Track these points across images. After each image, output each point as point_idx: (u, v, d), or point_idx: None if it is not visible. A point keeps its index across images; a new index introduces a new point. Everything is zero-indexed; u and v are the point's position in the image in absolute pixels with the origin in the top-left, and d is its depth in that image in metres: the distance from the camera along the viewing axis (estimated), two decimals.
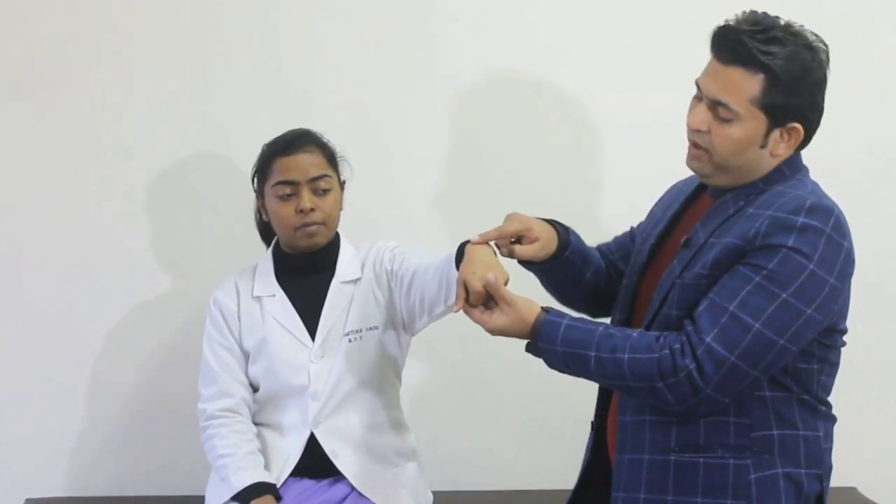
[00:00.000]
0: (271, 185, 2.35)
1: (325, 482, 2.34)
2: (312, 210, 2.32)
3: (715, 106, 1.90)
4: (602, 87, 2.90)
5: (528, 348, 1.99)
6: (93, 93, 2.85)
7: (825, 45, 1.91)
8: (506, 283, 1.98)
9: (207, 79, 2.87)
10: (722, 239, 1.88)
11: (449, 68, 2.89)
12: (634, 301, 2.10)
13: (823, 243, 1.80)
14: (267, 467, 2.32)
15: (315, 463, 2.33)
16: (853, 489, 2.88)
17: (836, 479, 2.67)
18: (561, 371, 1.96)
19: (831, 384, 1.99)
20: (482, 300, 1.96)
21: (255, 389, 2.41)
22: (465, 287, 1.97)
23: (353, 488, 2.33)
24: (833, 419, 2.00)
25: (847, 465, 2.70)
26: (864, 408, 2.97)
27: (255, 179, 2.42)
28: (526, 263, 2.21)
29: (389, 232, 2.66)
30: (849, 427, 2.71)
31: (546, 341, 1.92)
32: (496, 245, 2.10)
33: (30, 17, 2.83)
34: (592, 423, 2.21)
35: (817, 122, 1.94)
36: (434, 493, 2.50)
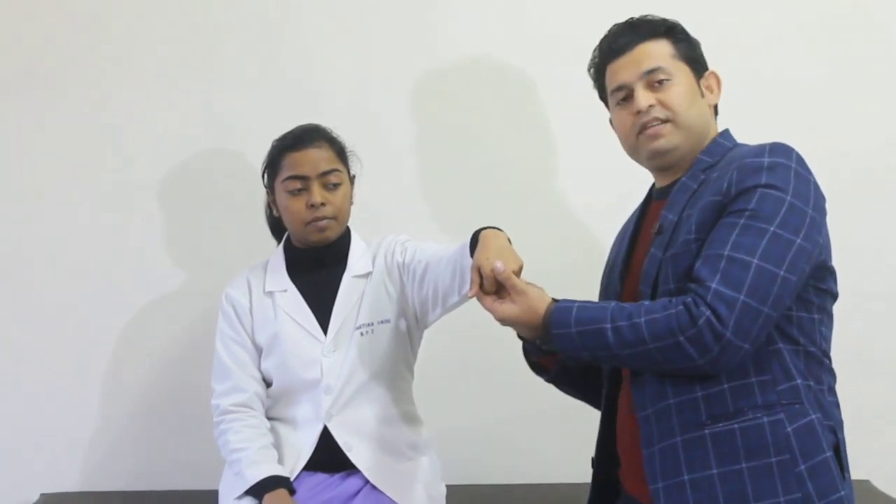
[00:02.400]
0: (281, 180, 2.36)
1: (338, 476, 2.35)
2: (323, 204, 2.33)
3: (650, 79, 2.05)
4: None
5: (542, 341, 1.99)
6: (104, 91, 2.87)
7: None
8: (520, 271, 1.98)
9: (217, 77, 2.89)
10: (697, 204, 1.94)
11: (453, 63, 2.91)
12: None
13: (793, 177, 1.88)
14: (280, 461, 2.33)
15: (328, 456, 2.34)
16: (867, 482, 2.87)
17: (851, 472, 2.68)
18: (577, 356, 1.94)
19: (830, 337, 2.01)
20: (496, 287, 1.96)
21: (267, 384, 2.42)
22: (480, 273, 1.96)
23: (366, 482, 2.33)
24: (834, 376, 2.01)
25: (861, 458, 2.69)
26: (878, 402, 2.95)
27: (266, 175, 2.43)
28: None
29: (397, 226, 2.66)
30: (863, 420, 2.72)
31: (560, 326, 1.92)
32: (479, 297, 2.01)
33: (37, 16, 2.84)
34: (593, 459, 2.20)
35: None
36: (447, 486, 2.50)
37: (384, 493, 2.32)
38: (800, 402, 1.88)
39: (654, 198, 2.16)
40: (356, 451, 2.34)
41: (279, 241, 2.52)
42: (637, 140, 2.07)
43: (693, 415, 1.91)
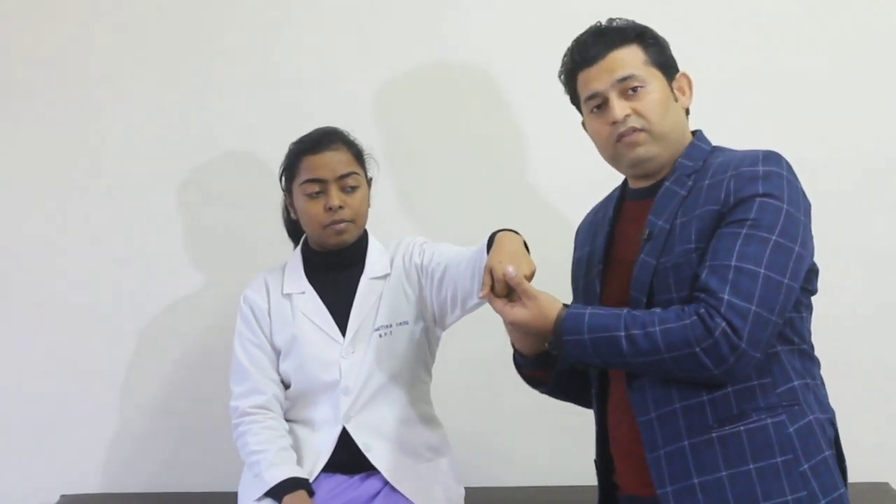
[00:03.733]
0: (299, 183, 2.36)
1: (357, 477, 2.35)
2: (341, 207, 2.33)
3: (623, 86, 2.03)
4: None
5: (551, 346, 1.98)
6: (120, 91, 2.89)
7: None
8: (532, 275, 1.98)
9: (237, 79, 2.90)
10: (694, 213, 1.94)
11: (466, 64, 2.91)
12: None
13: (786, 185, 1.90)
14: (299, 463, 2.33)
15: (347, 458, 2.34)
16: (886, 484, 2.85)
17: (868, 474, 2.67)
18: (587, 362, 1.95)
19: (810, 331, 2.03)
20: (507, 290, 1.96)
21: (286, 386, 2.42)
22: (492, 275, 1.97)
23: (385, 483, 2.33)
24: (819, 363, 2.04)
25: (879, 460, 2.70)
26: (894, 404, 2.94)
27: (283, 178, 2.43)
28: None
29: (413, 229, 2.67)
30: (880, 422, 2.71)
31: (572, 333, 1.91)
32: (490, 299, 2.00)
33: (42, 16, 2.86)
34: (595, 461, 2.20)
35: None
36: (466, 488, 2.50)
37: (403, 495, 2.32)
38: (798, 403, 1.91)
39: (627, 198, 2.15)
40: (375, 452, 2.34)
41: (297, 243, 2.52)
42: (616, 149, 2.06)
43: (700, 418, 1.91)
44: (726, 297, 1.83)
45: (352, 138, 2.43)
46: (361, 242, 2.44)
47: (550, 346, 1.99)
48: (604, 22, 2.11)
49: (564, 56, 2.13)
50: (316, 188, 2.34)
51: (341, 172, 2.35)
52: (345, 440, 2.34)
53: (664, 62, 2.07)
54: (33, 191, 2.91)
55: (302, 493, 2.25)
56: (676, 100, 2.07)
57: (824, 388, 2.02)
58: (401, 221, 2.81)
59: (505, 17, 2.91)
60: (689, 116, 2.13)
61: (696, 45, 2.82)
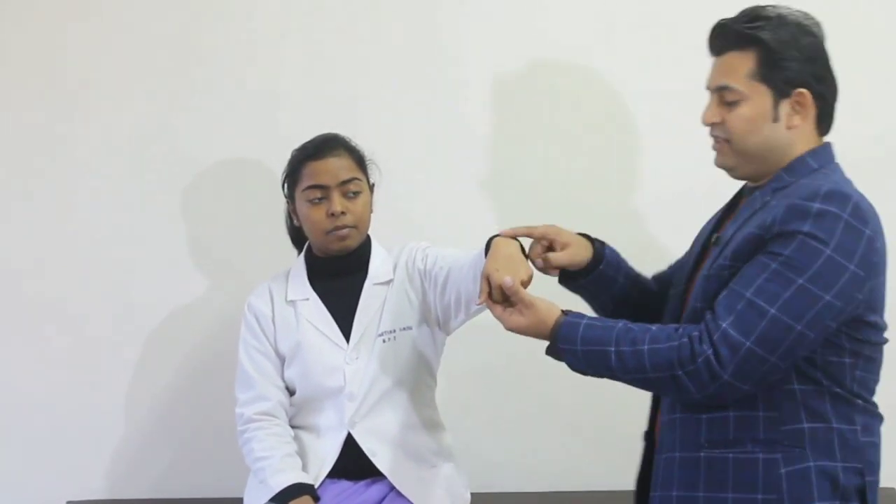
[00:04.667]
0: (302, 189, 2.37)
1: (362, 483, 2.35)
2: (343, 213, 2.33)
3: (721, 94, 1.96)
4: (638, 85, 2.91)
5: (548, 351, 1.99)
6: (124, 97, 2.89)
7: (815, 20, 1.96)
8: (529, 280, 1.99)
9: (237, 85, 2.89)
10: (743, 230, 1.89)
11: (478, 66, 2.91)
12: (682, 308, 2.09)
13: (841, 229, 1.80)
14: (304, 469, 2.33)
15: (352, 463, 2.34)
16: (891, 489, 2.84)
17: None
18: (584, 373, 1.96)
19: (872, 380, 1.95)
20: (505, 296, 1.97)
21: (291, 393, 2.42)
22: (489, 282, 1.98)
23: (390, 489, 2.33)
24: (877, 415, 1.96)
25: (886, 464, 2.67)
26: None
27: (286, 185, 2.44)
28: (566, 282, 2.21)
29: (418, 233, 2.67)
30: (888, 427, 2.69)
31: (566, 342, 1.92)
32: (531, 258, 2.11)
33: (60, 20, 2.87)
34: (645, 433, 2.19)
35: (831, 96, 1.97)
36: (472, 494, 2.49)
37: (408, 500, 2.32)
38: (801, 447, 1.86)
39: (743, 194, 2.08)
40: (380, 457, 2.34)
41: (300, 250, 2.52)
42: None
43: (694, 434, 1.92)
44: (724, 325, 1.81)
45: (353, 144, 2.43)
46: (364, 248, 2.44)
47: (548, 352, 1.99)
48: (742, 11, 1.98)
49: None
50: (318, 194, 2.34)
51: (343, 178, 2.35)
52: (350, 446, 2.34)
53: (777, 77, 1.92)
54: (37, 195, 2.91)
55: (307, 499, 2.25)
56: (777, 119, 1.93)
57: (870, 437, 1.94)
58: (402, 227, 2.80)
59: (504, 18, 2.91)
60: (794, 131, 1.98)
61: (693, 43, 2.85)
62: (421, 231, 2.74)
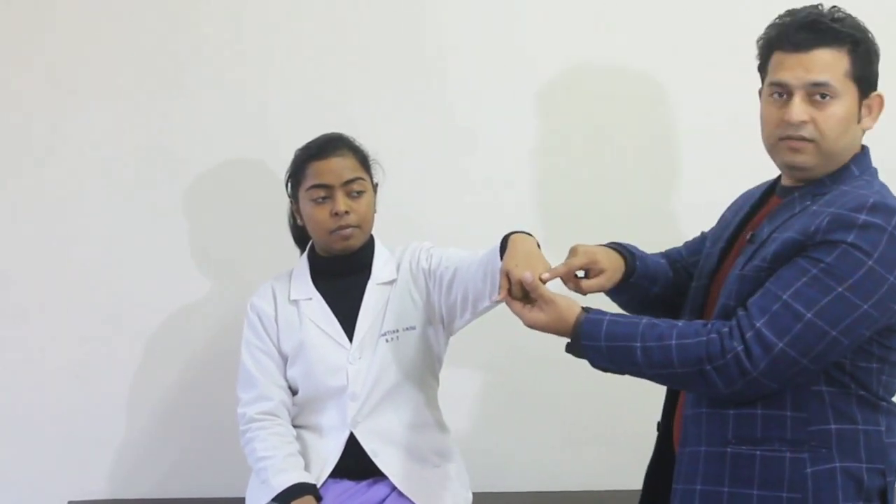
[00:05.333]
0: (305, 189, 2.36)
1: (364, 483, 2.35)
2: (347, 213, 2.33)
3: (813, 91, 1.91)
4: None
5: (569, 349, 1.98)
6: (127, 100, 2.89)
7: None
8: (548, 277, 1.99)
9: (240, 85, 2.89)
10: (784, 234, 1.88)
11: (481, 66, 2.90)
12: (705, 302, 2.09)
13: (885, 241, 1.80)
14: (307, 469, 2.33)
15: (354, 463, 2.34)
16: None
17: None
18: (606, 369, 1.95)
19: (894, 385, 1.96)
20: (524, 292, 1.96)
21: (293, 392, 2.42)
22: (508, 278, 1.97)
23: (392, 489, 2.33)
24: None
25: None
26: None
27: (289, 184, 2.44)
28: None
29: (421, 233, 2.67)
30: None
31: (590, 339, 1.92)
32: (565, 283, 2.10)
33: (61, 21, 2.86)
34: (658, 423, 2.19)
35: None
36: (474, 493, 2.49)
37: (411, 501, 2.32)
38: (827, 447, 1.87)
39: (776, 191, 2.07)
40: (383, 457, 2.34)
41: (303, 249, 2.52)
42: (777, 145, 1.98)
43: (720, 430, 1.91)
44: (759, 324, 1.82)
45: (357, 144, 2.43)
46: (368, 248, 2.43)
47: (568, 349, 1.99)
48: (826, 7, 1.97)
49: (775, 20, 1.99)
50: (322, 194, 2.34)
51: (347, 178, 2.34)
52: (352, 446, 2.34)
53: (865, 77, 1.93)
54: (40, 195, 2.91)
55: (309, 499, 2.25)
56: (859, 120, 1.94)
57: (893, 438, 1.94)
58: (405, 227, 2.79)
59: (506, 17, 2.90)
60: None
61: (705, 46, 2.85)
62: (424, 231, 2.74)
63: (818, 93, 1.91)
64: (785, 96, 1.94)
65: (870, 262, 1.79)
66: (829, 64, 1.90)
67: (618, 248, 2.19)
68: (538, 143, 2.92)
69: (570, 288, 2.11)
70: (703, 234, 2.33)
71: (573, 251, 2.13)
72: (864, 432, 1.89)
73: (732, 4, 2.83)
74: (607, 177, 2.93)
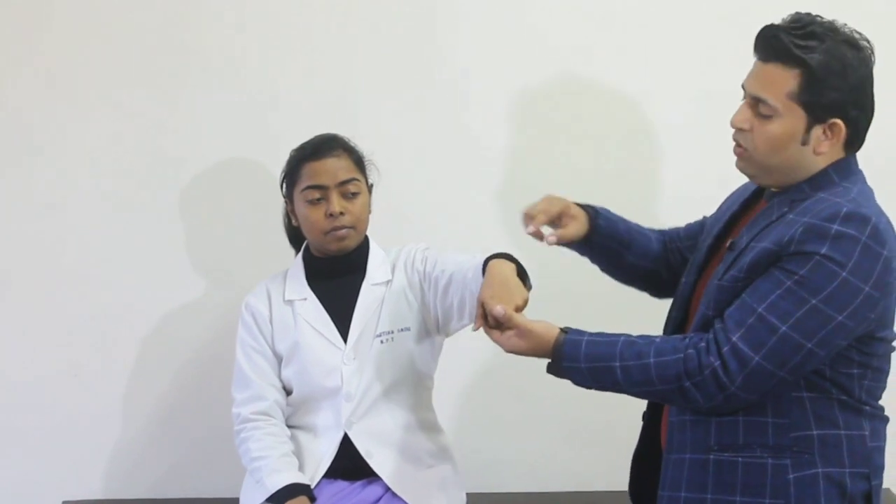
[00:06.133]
0: (300, 189, 2.37)
1: (358, 483, 2.35)
2: (342, 214, 2.33)
3: (755, 103, 1.91)
4: (640, 85, 2.92)
5: (550, 369, 1.99)
6: (122, 97, 2.88)
7: (869, 42, 1.90)
8: (525, 304, 1.99)
9: (236, 83, 2.89)
10: (760, 243, 1.88)
11: (476, 66, 2.91)
12: (691, 299, 2.11)
13: (859, 252, 1.79)
14: (301, 469, 2.34)
15: (348, 464, 2.35)
16: (887, 490, 2.85)
17: None
18: (589, 387, 1.97)
19: (879, 388, 1.97)
20: (499, 322, 1.97)
21: (288, 392, 2.43)
22: (484, 308, 1.98)
23: (386, 489, 2.33)
24: (883, 418, 1.98)
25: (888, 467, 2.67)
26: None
27: (284, 185, 2.44)
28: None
29: (418, 233, 2.67)
30: (890, 429, 2.69)
31: (570, 361, 1.93)
32: (541, 237, 2.15)
33: (55, 19, 2.86)
34: (644, 414, 2.22)
35: (865, 121, 1.92)
36: (468, 494, 2.50)
37: (405, 502, 2.32)
38: (809, 453, 1.88)
39: (764, 197, 2.05)
40: (377, 458, 2.34)
41: (298, 250, 2.52)
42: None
43: (703, 437, 1.93)
44: (734, 338, 1.83)
45: (352, 144, 2.43)
46: (362, 249, 2.44)
47: (550, 370, 2.00)
48: (796, 16, 1.91)
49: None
50: (317, 194, 2.34)
51: (342, 179, 2.35)
52: (346, 446, 2.35)
53: (816, 104, 1.86)
54: (36, 196, 2.91)
55: (303, 500, 2.25)
56: (806, 143, 1.88)
57: (877, 442, 1.95)
58: (400, 228, 2.80)
59: (503, 18, 2.91)
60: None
61: (704, 48, 2.86)
62: (419, 232, 2.74)
63: (758, 110, 1.91)
64: (747, 100, 1.96)
65: (843, 274, 1.78)
66: (773, 82, 1.88)
67: (581, 204, 2.25)
68: (538, 143, 2.94)
69: (549, 242, 2.15)
70: (704, 217, 2.33)
71: (547, 199, 2.19)
72: (846, 437, 1.90)
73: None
74: (612, 178, 2.94)
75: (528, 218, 2.19)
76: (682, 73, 2.87)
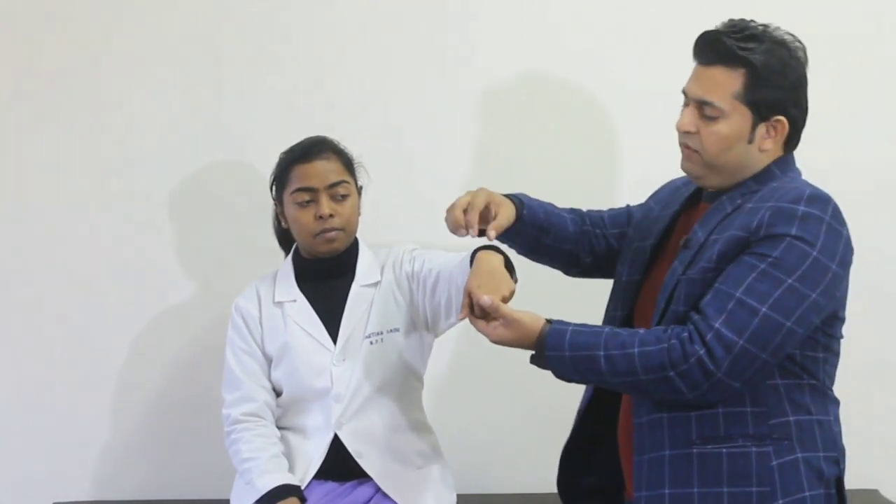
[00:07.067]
0: (290, 192, 2.37)
1: (348, 484, 2.36)
2: (331, 216, 2.34)
3: (701, 106, 1.98)
4: (621, 86, 2.92)
5: (533, 360, 2.01)
6: (112, 98, 2.89)
7: (801, 43, 1.99)
8: (511, 295, 2.00)
9: (226, 86, 2.89)
10: (724, 234, 1.93)
11: (469, 68, 2.91)
12: (637, 297, 2.13)
13: (824, 231, 1.87)
14: (291, 470, 2.34)
15: (339, 465, 2.35)
16: (875, 491, 2.86)
17: (858, 482, 2.67)
18: (570, 379, 1.98)
19: (834, 374, 2.02)
20: (486, 312, 1.97)
21: (277, 394, 2.43)
22: (471, 297, 1.98)
23: (376, 490, 2.34)
24: (838, 402, 2.04)
25: (869, 467, 2.69)
26: (885, 410, 2.95)
27: (274, 187, 2.44)
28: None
29: (409, 234, 2.67)
30: (870, 429, 2.71)
31: (554, 349, 1.94)
32: (479, 232, 2.13)
33: (42, 18, 2.86)
34: (579, 410, 2.25)
35: (802, 120, 2.01)
36: (459, 495, 2.50)
37: (395, 502, 2.33)
38: (789, 439, 1.91)
39: (703, 197, 2.12)
40: (367, 459, 2.35)
41: (287, 252, 2.53)
42: (680, 148, 2.05)
43: (684, 432, 1.94)
44: (717, 325, 1.85)
45: (342, 147, 2.44)
46: (352, 251, 2.44)
47: (533, 361, 2.01)
48: (731, 22, 1.99)
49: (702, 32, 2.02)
50: (306, 197, 2.35)
51: (332, 181, 2.35)
52: (336, 447, 2.35)
53: (762, 102, 1.95)
54: (30, 197, 2.90)
55: (294, 501, 2.26)
56: (752, 141, 1.97)
57: (838, 427, 2.01)
58: (389, 230, 2.80)
59: (500, 18, 2.92)
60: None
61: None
62: (407, 234, 2.74)
63: (704, 112, 1.97)
64: (688, 104, 2.02)
65: (814, 253, 1.85)
66: (719, 84, 1.95)
67: (507, 195, 2.25)
68: (533, 145, 2.94)
69: (490, 238, 2.10)
70: (627, 206, 2.37)
71: (471, 194, 2.17)
72: (818, 422, 1.95)
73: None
74: (611, 178, 2.95)
75: (458, 218, 2.13)
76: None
